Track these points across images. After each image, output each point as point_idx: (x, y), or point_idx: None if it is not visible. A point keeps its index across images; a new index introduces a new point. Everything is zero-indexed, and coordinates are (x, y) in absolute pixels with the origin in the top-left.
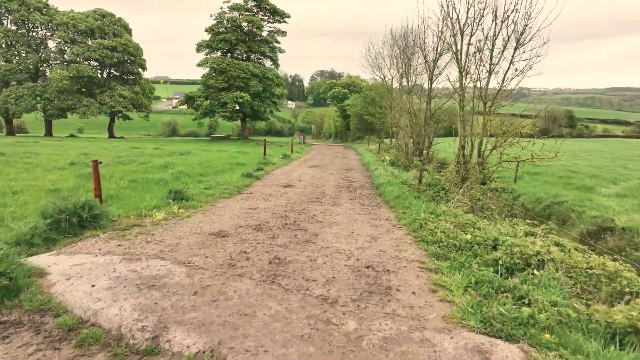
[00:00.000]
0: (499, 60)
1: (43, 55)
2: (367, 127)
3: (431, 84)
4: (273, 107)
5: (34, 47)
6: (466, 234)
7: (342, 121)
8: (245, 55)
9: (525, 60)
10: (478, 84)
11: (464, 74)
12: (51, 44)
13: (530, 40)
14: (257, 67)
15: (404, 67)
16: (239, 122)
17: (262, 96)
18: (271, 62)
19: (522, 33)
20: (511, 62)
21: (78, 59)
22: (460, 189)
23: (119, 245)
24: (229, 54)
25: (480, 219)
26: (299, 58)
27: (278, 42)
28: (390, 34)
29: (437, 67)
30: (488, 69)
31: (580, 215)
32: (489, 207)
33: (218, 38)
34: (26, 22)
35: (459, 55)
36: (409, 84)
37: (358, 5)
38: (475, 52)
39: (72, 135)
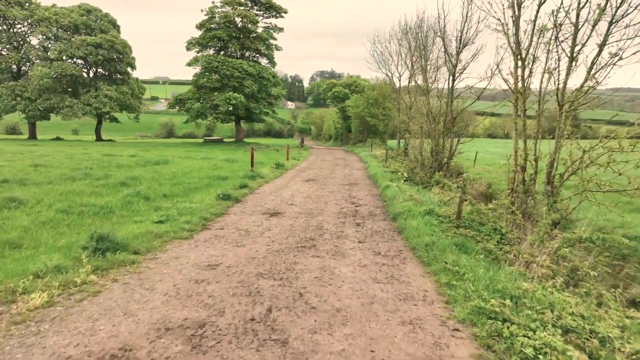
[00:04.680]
0: (586, 40)
1: (24, 53)
2: (369, 130)
3: (453, 80)
4: (269, 109)
5: (14, 44)
6: None
7: (342, 123)
8: (239, 53)
9: (624, 40)
10: (547, 78)
11: (528, 62)
12: (34, 42)
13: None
14: (251, 66)
15: (418, 59)
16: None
17: (258, 97)
18: (267, 60)
19: None
20: (603, 44)
21: (62, 57)
22: (525, 232)
23: None
24: (222, 52)
25: (578, 296)
26: (299, 58)
27: (274, 38)
28: (399, 26)
29: (459, 62)
30: (569, 54)
31: None
32: (585, 272)
33: (209, 35)
34: (6, 17)
35: (517, 37)
36: (427, 81)
37: (359, 6)
38: (547, 29)
39: (57, 138)
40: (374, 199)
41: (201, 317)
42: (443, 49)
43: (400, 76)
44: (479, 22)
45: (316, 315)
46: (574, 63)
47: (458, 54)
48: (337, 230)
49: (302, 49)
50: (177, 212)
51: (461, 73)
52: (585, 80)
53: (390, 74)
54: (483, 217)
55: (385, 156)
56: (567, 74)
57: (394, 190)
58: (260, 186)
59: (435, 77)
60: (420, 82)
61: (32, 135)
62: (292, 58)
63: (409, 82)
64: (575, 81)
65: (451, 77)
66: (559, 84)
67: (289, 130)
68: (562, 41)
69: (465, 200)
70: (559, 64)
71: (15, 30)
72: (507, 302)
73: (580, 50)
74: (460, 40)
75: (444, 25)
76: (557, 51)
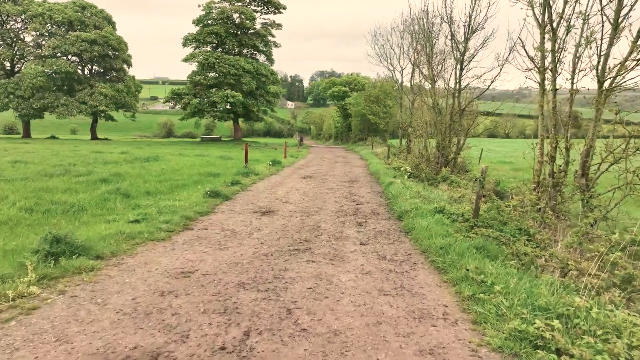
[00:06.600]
0: (635, 1)
1: (18, 49)
2: (370, 128)
3: (461, 70)
4: (268, 107)
5: (8, 41)
6: None
7: (342, 121)
8: (236, 50)
9: None
10: (581, 52)
11: (559, 28)
12: (28, 39)
13: None
14: (249, 63)
15: (423, 47)
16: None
17: (256, 94)
18: (265, 58)
19: None
20: None
21: (56, 53)
22: (555, 232)
23: None
24: (219, 49)
25: None
26: (299, 59)
27: (273, 35)
28: (401, 17)
29: (468, 49)
30: (612, 20)
31: None
32: None
33: (206, 30)
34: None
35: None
36: (432, 70)
37: (360, 6)
38: None
39: (52, 137)
40: (376, 196)
41: (157, 343)
42: (450, 36)
43: (402, 70)
44: (489, 6)
45: (307, 341)
46: (616, 32)
47: (466, 40)
48: (336, 230)
49: (302, 49)
50: (157, 211)
51: (469, 61)
52: (630, 52)
53: (392, 67)
54: (505, 215)
55: (387, 153)
56: (610, 44)
57: (398, 187)
58: (254, 183)
59: (442, 68)
60: (425, 71)
61: (27, 134)
62: (292, 59)
63: (411, 77)
64: (615, 56)
65: (459, 66)
66: (599, 56)
67: (289, 130)
68: (605, 5)
69: (484, 196)
70: (602, 32)
71: (8, 26)
72: (556, 323)
73: (627, 13)
74: (469, 26)
75: (451, 11)
76: (601, 15)
